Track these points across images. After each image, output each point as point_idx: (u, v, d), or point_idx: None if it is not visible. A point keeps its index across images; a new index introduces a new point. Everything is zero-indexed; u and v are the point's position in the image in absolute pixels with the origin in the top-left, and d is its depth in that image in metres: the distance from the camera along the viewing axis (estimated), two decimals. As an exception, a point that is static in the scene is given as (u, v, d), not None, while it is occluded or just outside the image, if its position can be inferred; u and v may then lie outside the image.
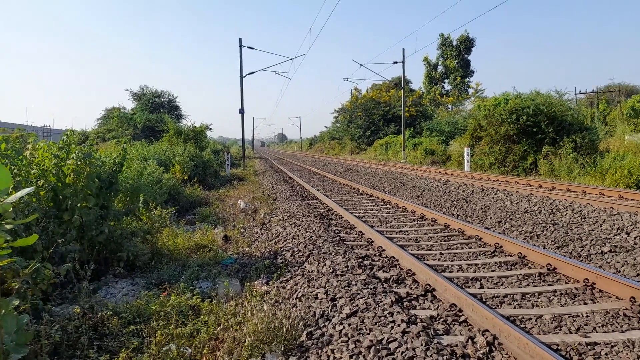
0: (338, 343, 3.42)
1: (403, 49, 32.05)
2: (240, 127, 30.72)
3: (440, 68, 54.84)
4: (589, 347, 3.40)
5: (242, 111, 29.11)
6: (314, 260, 5.73)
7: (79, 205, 5.17)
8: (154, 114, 39.95)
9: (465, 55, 53.05)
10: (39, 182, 5.05)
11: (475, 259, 5.92)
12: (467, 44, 52.67)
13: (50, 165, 5.19)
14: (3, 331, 2.46)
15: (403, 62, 32.50)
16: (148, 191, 8.87)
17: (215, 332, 3.71)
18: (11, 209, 2.74)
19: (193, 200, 11.97)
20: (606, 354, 3.29)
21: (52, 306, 3.94)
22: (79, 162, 5.29)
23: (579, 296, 4.48)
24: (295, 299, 4.51)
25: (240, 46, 29.36)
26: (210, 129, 27.31)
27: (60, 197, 5.17)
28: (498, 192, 11.94)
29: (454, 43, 52.87)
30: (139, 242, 6.21)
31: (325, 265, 5.43)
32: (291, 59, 30.21)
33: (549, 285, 4.84)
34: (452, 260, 5.86)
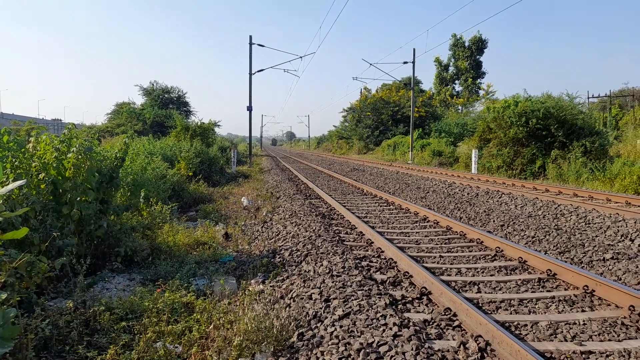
0: (328, 345, 3.39)
1: (414, 49, 31.94)
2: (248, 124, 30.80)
3: (451, 69, 54.41)
4: (583, 355, 3.34)
5: (250, 108, 29.15)
6: (312, 260, 5.70)
7: (78, 199, 5.19)
8: (163, 110, 40.16)
9: (477, 57, 52.53)
10: (39, 175, 5.08)
11: (475, 263, 5.85)
12: (479, 44, 52.13)
13: (51, 158, 5.21)
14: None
15: (413, 62, 32.33)
16: (151, 186, 8.91)
17: (206, 330, 3.70)
18: (1, 201, 2.74)
19: (197, 196, 12.01)
20: (600, 364, 3.23)
21: (45, 300, 3.95)
22: (80, 156, 5.31)
23: (577, 303, 4.40)
24: (290, 299, 4.49)
25: (250, 43, 29.40)
26: (219, 125, 27.42)
27: (60, 190, 5.19)
28: (503, 195, 11.83)
29: (466, 44, 52.40)
30: (139, 238, 6.23)
31: (322, 265, 5.40)
32: (301, 57, 30.20)
33: (548, 291, 4.77)
34: (451, 264, 5.81)
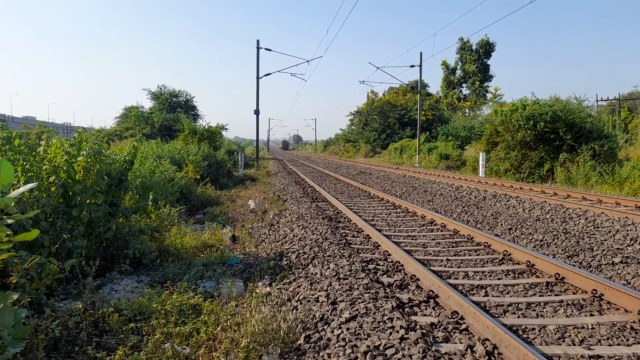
0: (335, 347, 3.40)
1: (420, 53, 31.95)
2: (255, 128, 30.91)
3: (458, 72, 54.28)
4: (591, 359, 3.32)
5: (257, 112, 29.24)
6: (318, 262, 5.72)
7: (88, 201, 5.25)
8: (171, 114, 40.45)
9: (485, 60, 52.37)
10: (50, 178, 5.14)
11: (483, 266, 5.83)
12: (486, 48, 51.98)
13: (61, 161, 5.28)
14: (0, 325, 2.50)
15: (420, 66, 32.29)
16: (159, 189, 8.97)
17: (214, 332, 3.72)
18: (13, 203, 2.78)
19: (204, 199, 12.07)
20: (609, 368, 3.20)
21: (55, 301, 3.99)
22: (89, 159, 5.38)
23: (585, 307, 4.38)
24: (297, 302, 4.50)
25: (258, 48, 29.52)
26: (226, 129, 27.56)
27: (70, 193, 5.25)
28: (511, 198, 11.77)
29: (474, 47, 52.26)
30: (147, 240, 6.28)
31: (329, 268, 5.41)
32: (307, 61, 30.29)
33: (556, 295, 4.74)
34: (458, 267, 5.79)
